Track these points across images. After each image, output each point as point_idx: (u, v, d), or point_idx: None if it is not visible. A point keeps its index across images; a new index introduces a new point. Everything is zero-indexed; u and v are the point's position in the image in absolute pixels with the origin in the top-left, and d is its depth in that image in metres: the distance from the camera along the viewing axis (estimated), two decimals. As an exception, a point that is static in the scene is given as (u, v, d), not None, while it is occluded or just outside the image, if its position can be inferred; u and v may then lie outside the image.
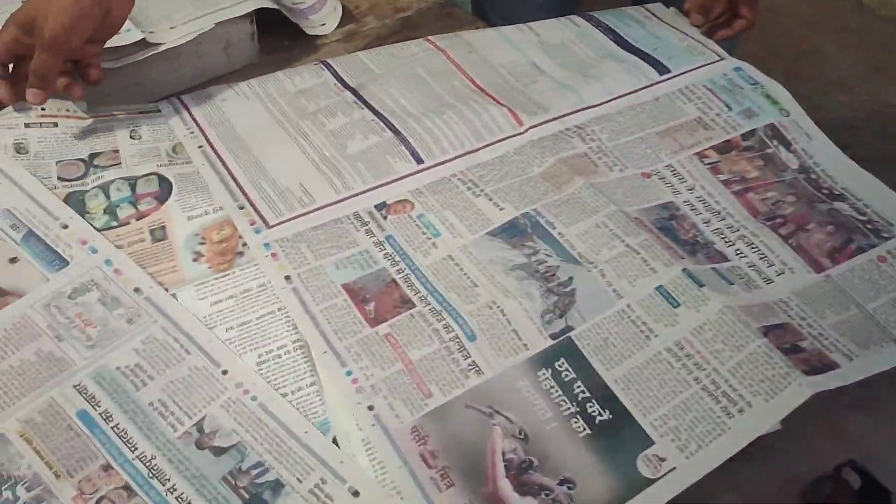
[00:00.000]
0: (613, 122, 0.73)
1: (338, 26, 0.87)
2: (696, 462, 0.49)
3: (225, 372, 0.54)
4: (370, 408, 0.52)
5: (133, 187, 0.66)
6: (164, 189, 0.66)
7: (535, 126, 0.72)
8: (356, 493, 0.49)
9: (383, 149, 0.69)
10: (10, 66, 0.66)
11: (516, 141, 0.71)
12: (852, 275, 0.61)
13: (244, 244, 0.62)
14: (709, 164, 0.70)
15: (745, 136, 0.72)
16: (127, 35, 0.71)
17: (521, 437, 0.51)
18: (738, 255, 0.63)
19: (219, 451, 0.51)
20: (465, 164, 0.68)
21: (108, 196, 0.65)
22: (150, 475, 0.49)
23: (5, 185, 0.64)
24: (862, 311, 0.59)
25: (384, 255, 0.61)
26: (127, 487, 0.49)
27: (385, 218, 0.63)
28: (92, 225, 0.63)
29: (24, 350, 0.54)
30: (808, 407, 0.51)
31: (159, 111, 0.73)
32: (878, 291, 0.60)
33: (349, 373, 0.53)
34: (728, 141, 0.72)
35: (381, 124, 0.71)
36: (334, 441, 0.52)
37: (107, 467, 0.50)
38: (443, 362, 0.54)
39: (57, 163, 0.67)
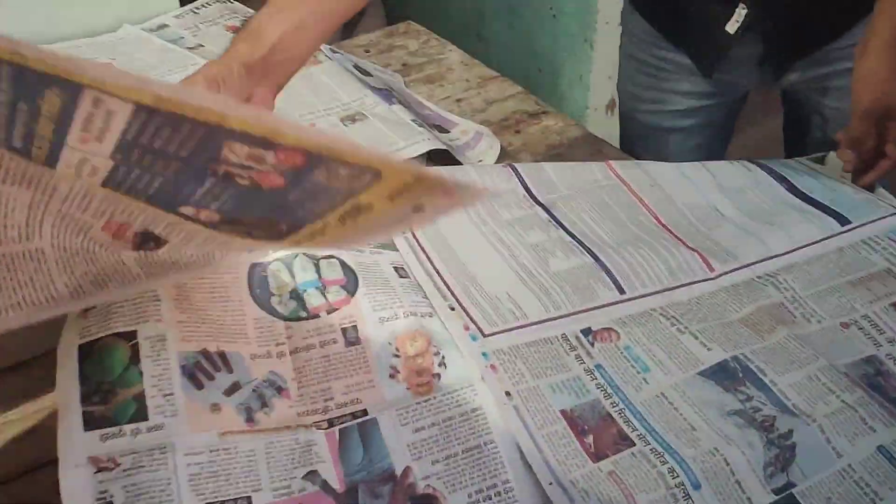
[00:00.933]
0: (803, 272, 0.73)
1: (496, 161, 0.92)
2: None
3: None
4: None
5: (317, 268, 0.60)
6: (350, 278, 0.60)
7: (726, 273, 0.73)
8: None
9: (586, 272, 0.71)
10: None
11: (710, 285, 0.72)
12: None
13: (441, 363, 0.60)
14: None
15: (939, 289, 0.72)
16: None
17: None
18: None
19: None
20: (664, 300, 0.70)
21: (292, 274, 0.59)
22: None
23: None
24: None
25: (596, 384, 0.61)
26: None
27: (592, 345, 0.64)
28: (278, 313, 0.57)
29: None
30: None
31: None
32: None
33: None
34: None
35: (580, 248, 0.73)
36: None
37: None
38: None
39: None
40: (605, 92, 1.86)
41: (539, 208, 0.78)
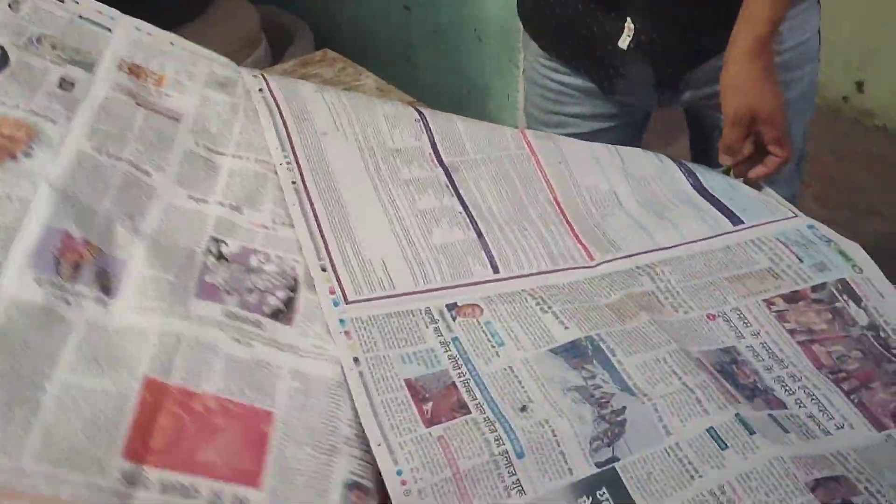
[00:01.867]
0: (684, 265, 0.75)
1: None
2: None
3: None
4: None
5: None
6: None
7: (605, 262, 0.75)
8: None
9: (465, 248, 0.73)
10: None
11: (587, 272, 0.74)
12: None
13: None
14: (776, 311, 0.71)
15: (814, 289, 0.73)
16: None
17: None
18: (797, 404, 0.63)
19: None
20: (536, 282, 0.71)
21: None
22: None
23: None
24: None
25: (448, 356, 0.64)
26: None
27: (454, 319, 0.67)
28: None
29: None
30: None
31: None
32: None
33: (399, 472, 0.55)
34: (797, 291, 0.73)
35: (468, 220, 0.75)
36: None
37: None
38: (489, 476, 0.56)
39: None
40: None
41: (440, 170, 0.79)
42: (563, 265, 0.74)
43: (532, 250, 0.74)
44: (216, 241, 0.66)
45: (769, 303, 0.72)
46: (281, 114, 0.78)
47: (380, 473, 0.55)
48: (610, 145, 0.89)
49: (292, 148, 0.75)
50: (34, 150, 0.63)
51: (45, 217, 0.58)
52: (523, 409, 0.60)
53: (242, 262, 0.66)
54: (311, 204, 0.72)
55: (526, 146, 0.85)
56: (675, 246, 0.77)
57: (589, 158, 0.86)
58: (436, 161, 0.80)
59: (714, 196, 0.85)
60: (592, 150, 0.87)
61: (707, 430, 0.59)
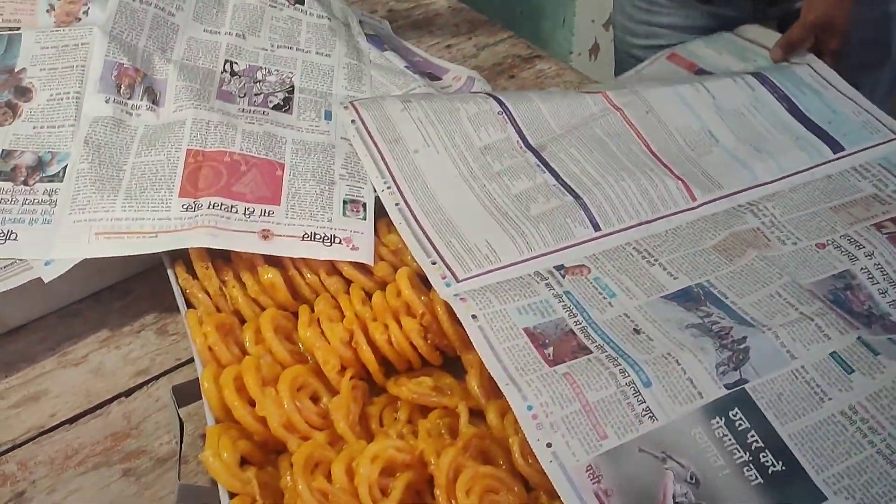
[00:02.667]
0: (786, 199, 0.75)
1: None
2: None
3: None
4: (548, 445, 0.55)
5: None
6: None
7: (707, 202, 0.75)
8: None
9: (564, 212, 0.74)
10: None
11: (689, 215, 0.75)
12: None
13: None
14: (887, 234, 0.70)
15: (925, 211, 0.72)
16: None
17: (693, 482, 0.53)
18: None
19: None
20: (639, 234, 0.73)
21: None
22: None
23: None
24: None
25: (563, 306, 0.66)
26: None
27: (563, 277, 0.69)
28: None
29: None
30: None
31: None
32: None
33: (530, 408, 0.57)
34: None
35: (563, 189, 0.77)
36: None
37: None
38: (618, 406, 0.57)
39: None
40: (588, 36, 1.81)
41: (530, 153, 0.82)
42: (664, 211, 0.75)
43: (631, 201, 0.75)
44: (229, 62, 0.87)
45: (879, 226, 0.71)
46: (375, 143, 0.83)
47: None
48: (696, 82, 0.88)
49: (390, 173, 0.79)
50: (90, 7, 0.85)
51: (102, 54, 0.81)
52: (636, 331, 0.62)
53: (250, 75, 0.87)
54: (416, 219, 0.75)
55: (609, 105, 0.86)
56: (776, 180, 0.77)
57: (676, 101, 0.86)
58: (524, 146, 0.82)
59: (811, 120, 0.84)
60: (678, 91, 0.87)
61: (830, 355, 0.59)
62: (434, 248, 0.72)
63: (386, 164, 0.80)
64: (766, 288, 0.65)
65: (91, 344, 0.75)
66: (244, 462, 0.60)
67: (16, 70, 0.81)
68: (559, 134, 0.83)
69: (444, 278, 0.69)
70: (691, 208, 0.75)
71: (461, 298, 0.66)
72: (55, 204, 0.73)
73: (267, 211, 0.73)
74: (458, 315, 0.65)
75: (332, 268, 0.73)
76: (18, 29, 0.84)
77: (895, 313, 0.64)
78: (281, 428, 0.60)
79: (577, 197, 0.76)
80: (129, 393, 0.71)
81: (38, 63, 0.82)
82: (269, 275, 0.70)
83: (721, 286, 0.66)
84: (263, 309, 0.70)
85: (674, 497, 0.52)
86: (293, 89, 0.86)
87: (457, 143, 0.82)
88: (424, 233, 0.73)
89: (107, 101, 0.79)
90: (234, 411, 0.61)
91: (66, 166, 0.75)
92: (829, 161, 0.79)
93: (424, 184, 0.78)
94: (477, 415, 0.63)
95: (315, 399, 0.65)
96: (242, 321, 0.70)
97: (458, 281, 0.68)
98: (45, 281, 0.69)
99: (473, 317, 0.64)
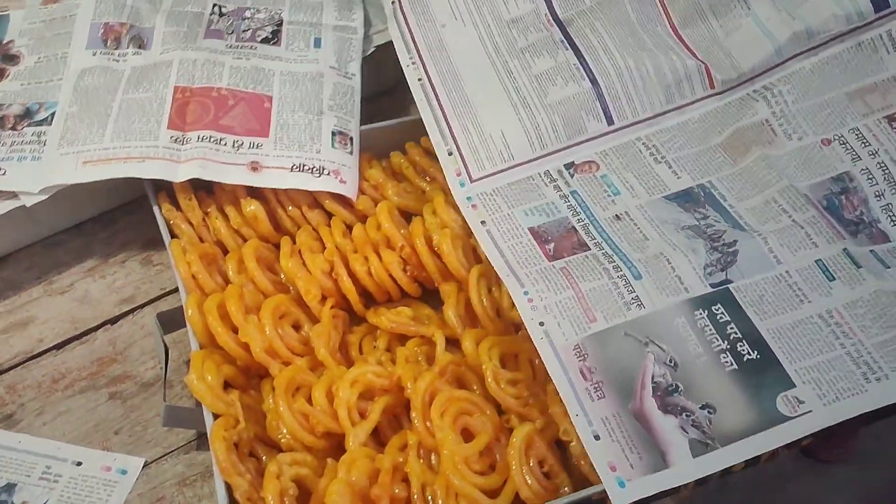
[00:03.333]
0: (804, 81, 0.74)
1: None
2: (831, 410, 0.55)
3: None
4: (541, 324, 0.61)
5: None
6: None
7: (725, 91, 0.75)
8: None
9: (580, 103, 0.75)
10: None
11: (702, 106, 0.75)
12: None
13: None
14: None
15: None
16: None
17: (671, 364, 0.58)
18: None
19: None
20: (650, 128, 0.75)
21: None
22: None
23: None
24: None
25: (568, 206, 0.70)
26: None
27: (572, 176, 0.72)
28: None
29: None
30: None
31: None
32: None
33: (526, 293, 0.63)
34: None
35: (582, 71, 0.76)
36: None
37: None
38: (609, 294, 0.62)
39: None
40: None
41: (556, 28, 0.80)
42: (679, 101, 0.75)
43: (647, 89, 0.75)
44: (217, 5, 0.87)
45: (891, 119, 0.71)
46: (406, 18, 0.83)
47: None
48: None
49: (416, 47, 0.80)
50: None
51: (89, 19, 0.84)
52: (617, 217, 0.67)
53: (238, 15, 0.86)
54: (437, 96, 0.77)
55: None
56: (801, 53, 0.75)
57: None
58: (551, 20, 0.81)
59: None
60: None
61: (816, 262, 0.63)
62: (451, 133, 0.74)
63: (413, 38, 0.81)
64: (764, 193, 0.68)
65: (76, 273, 0.77)
66: (227, 386, 0.62)
67: (4, 42, 0.85)
68: (589, 6, 0.80)
69: (458, 175, 0.72)
70: (707, 96, 0.75)
71: (473, 206, 0.70)
72: (44, 143, 0.75)
73: (256, 143, 0.74)
74: (467, 221, 0.69)
75: (314, 201, 0.75)
76: (6, 11, 0.87)
77: (884, 220, 0.66)
78: (263, 353, 0.62)
79: (594, 82, 0.75)
80: (114, 320, 0.73)
81: (26, 35, 0.85)
82: (252, 207, 0.72)
83: (722, 188, 0.69)
84: (246, 240, 0.72)
85: (652, 377, 0.57)
86: (282, 22, 0.86)
87: (484, 16, 0.81)
88: (444, 114, 0.75)
89: (94, 55, 0.81)
90: (217, 337, 0.63)
91: (54, 112, 0.77)
92: (866, 24, 0.75)
93: (448, 59, 0.79)
94: (453, 343, 0.66)
95: (297, 327, 0.67)
96: (226, 253, 0.71)
97: (471, 181, 0.72)
98: (28, 206, 0.72)
99: (482, 222, 0.69)
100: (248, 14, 0.86)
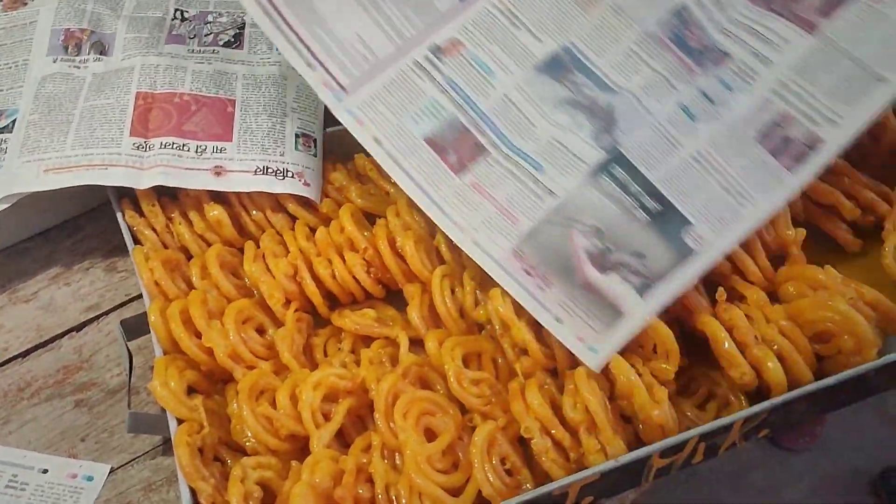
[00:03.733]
0: None
1: None
2: (723, 239, 0.65)
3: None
4: (475, 243, 0.65)
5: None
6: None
7: None
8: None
9: None
10: None
11: None
12: (845, 24, 0.72)
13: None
14: None
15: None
16: None
17: (598, 232, 0.65)
18: (741, 46, 0.72)
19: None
20: None
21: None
22: None
23: None
24: (852, 60, 0.70)
25: (450, 100, 0.69)
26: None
27: (441, 61, 0.70)
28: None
29: None
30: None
31: None
32: (868, 34, 0.71)
33: (452, 219, 0.65)
34: None
35: None
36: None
37: None
38: (522, 195, 0.66)
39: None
40: None
41: None
42: None
43: None
44: (179, 10, 0.87)
45: None
46: None
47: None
48: None
49: None
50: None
51: (49, 26, 0.84)
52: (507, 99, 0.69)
53: (201, 20, 0.87)
54: (284, 18, 0.69)
55: None
56: None
57: None
58: None
59: None
60: None
61: (679, 106, 0.70)
62: (307, 47, 0.69)
63: None
64: (620, 44, 0.72)
65: (41, 281, 0.77)
66: (192, 391, 0.63)
67: (-40, 52, 0.82)
68: None
69: (329, 89, 0.68)
70: None
71: (358, 121, 0.67)
72: (5, 152, 0.75)
73: (219, 148, 0.74)
74: (360, 141, 0.67)
75: (278, 204, 0.74)
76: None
77: (722, 40, 0.73)
78: (227, 358, 0.63)
79: None
80: (80, 328, 0.73)
81: (-17, 43, 0.82)
82: (215, 212, 0.72)
83: (583, 46, 0.72)
84: (210, 245, 0.72)
85: (584, 249, 0.64)
86: (244, 25, 0.86)
87: None
88: (295, 33, 0.69)
89: (55, 62, 0.81)
90: (180, 342, 0.63)
91: (14, 120, 0.77)
92: None
93: None
94: (418, 344, 0.66)
95: (261, 331, 0.67)
96: (190, 258, 0.71)
97: (345, 91, 0.68)
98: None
99: (376, 140, 0.67)
100: (210, 18, 0.87)
